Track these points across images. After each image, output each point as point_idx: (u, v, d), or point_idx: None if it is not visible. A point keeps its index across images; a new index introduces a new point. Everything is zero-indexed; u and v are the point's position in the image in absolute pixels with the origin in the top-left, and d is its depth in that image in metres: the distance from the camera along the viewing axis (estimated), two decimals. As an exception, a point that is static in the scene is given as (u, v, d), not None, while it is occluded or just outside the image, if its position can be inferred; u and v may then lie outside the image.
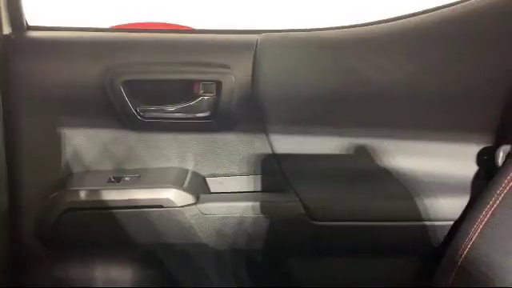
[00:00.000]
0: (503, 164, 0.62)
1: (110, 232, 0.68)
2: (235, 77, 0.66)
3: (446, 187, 0.67)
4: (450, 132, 0.68)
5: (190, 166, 0.72)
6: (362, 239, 0.69)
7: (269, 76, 0.66)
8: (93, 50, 0.68)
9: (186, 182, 0.69)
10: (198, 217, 0.67)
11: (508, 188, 0.58)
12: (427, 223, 0.67)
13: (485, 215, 0.60)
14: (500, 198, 0.59)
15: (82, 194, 0.67)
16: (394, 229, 0.68)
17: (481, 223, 0.60)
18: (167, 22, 1.91)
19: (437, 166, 0.69)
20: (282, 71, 0.67)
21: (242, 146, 0.71)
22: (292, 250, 0.71)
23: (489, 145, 0.66)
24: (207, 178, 0.73)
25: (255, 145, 0.71)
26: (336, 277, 0.74)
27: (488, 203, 0.59)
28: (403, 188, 0.68)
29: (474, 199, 0.63)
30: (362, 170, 0.69)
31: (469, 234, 0.60)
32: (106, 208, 0.66)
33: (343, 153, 0.69)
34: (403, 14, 0.68)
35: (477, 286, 0.55)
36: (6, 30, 0.66)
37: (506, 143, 0.63)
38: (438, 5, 0.66)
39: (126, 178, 0.69)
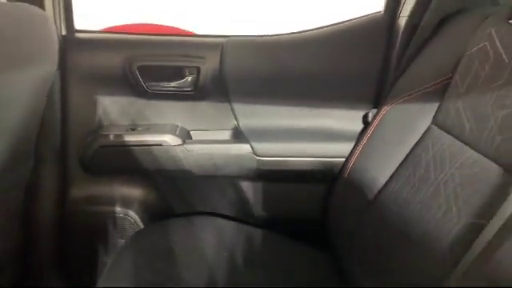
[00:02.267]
0: (372, 120, 1.02)
1: (128, 162, 1.06)
2: (209, 64, 1.05)
3: (344, 136, 1.07)
4: (344, 103, 1.08)
5: (179, 123, 1.11)
6: (288, 170, 1.09)
7: (229, 64, 1.05)
8: (118, 46, 1.06)
9: (177, 131, 1.08)
10: (184, 153, 1.06)
11: (370, 133, 0.98)
12: (330, 159, 1.07)
13: (360, 148, 0.99)
14: (367, 137, 0.98)
15: (110, 137, 1.05)
16: (308, 163, 1.08)
17: (357, 152, 0.99)
18: (157, 23, 2.24)
19: (339, 125, 1.09)
20: (238, 61, 1.06)
21: (213, 110, 1.10)
22: (243, 176, 1.11)
23: (367, 111, 1.06)
24: (190, 131, 1.12)
25: (222, 109, 1.10)
26: (273, 198, 1.13)
27: (362, 141, 0.99)
28: (315, 137, 1.08)
29: (358, 141, 1.03)
30: (290, 126, 1.09)
31: (352, 159, 1.00)
32: (124, 146, 1.05)
33: (279, 113, 1.09)
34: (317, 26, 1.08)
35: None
36: (63, 32, 1.04)
37: (374, 108, 1.03)
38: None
39: (139, 128, 1.07)
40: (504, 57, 0.71)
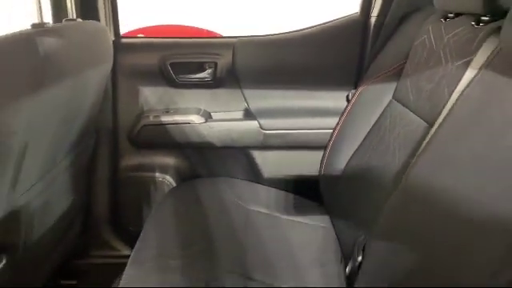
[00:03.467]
0: (351, 99, 1.30)
1: (164, 137, 1.38)
2: (224, 60, 1.35)
3: (330, 112, 1.35)
4: (331, 86, 1.37)
5: (202, 106, 1.42)
6: (288, 140, 1.39)
7: (240, 59, 1.35)
8: (154, 48, 1.38)
9: (201, 113, 1.39)
10: (206, 129, 1.37)
11: (349, 108, 1.27)
12: (320, 131, 1.36)
13: (342, 121, 1.27)
14: (347, 112, 1.27)
15: (150, 118, 1.37)
16: (303, 134, 1.37)
17: (340, 124, 1.27)
18: (182, 24, 2.54)
19: (327, 103, 1.38)
20: (247, 56, 1.36)
21: (228, 95, 1.41)
22: (253, 146, 1.41)
23: (348, 92, 1.35)
24: (211, 113, 1.43)
25: (234, 94, 1.40)
26: (277, 163, 1.43)
27: (344, 115, 1.28)
28: (308, 113, 1.37)
29: (341, 115, 1.31)
30: (289, 105, 1.39)
31: (336, 130, 1.28)
32: (161, 125, 1.37)
33: (279, 96, 1.39)
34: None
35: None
36: (112, 37, 1.36)
37: (353, 90, 1.31)
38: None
39: (171, 111, 1.39)
40: (434, 46, 0.99)
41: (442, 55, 0.94)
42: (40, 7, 0.91)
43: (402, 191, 0.78)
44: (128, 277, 0.90)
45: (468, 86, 0.76)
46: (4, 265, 0.81)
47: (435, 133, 0.77)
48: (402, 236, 0.74)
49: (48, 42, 0.85)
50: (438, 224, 0.66)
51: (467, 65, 0.82)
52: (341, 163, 1.20)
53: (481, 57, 0.78)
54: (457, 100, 0.76)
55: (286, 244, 1.11)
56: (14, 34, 0.82)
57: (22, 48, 0.80)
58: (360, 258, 0.89)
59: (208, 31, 2.32)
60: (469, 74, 0.80)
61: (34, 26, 0.89)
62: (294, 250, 1.10)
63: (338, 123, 1.29)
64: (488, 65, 0.72)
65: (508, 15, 0.64)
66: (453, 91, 0.82)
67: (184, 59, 1.37)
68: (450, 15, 0.98)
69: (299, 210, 1.29)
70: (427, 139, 0.83)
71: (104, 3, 1.29)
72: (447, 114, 0.76)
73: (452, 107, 0.77)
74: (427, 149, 0.77)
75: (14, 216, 0.87)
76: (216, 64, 1.36)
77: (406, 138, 0.97)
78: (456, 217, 0.61)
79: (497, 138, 0.62)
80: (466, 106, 0.72)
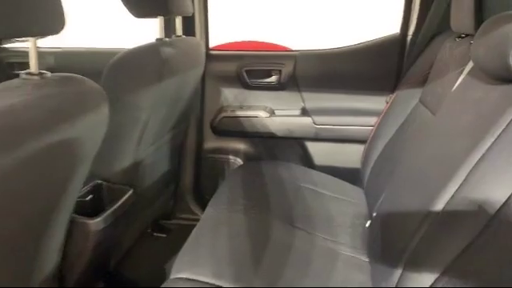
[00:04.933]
0: (388, 103, 1.60)
1: (238, 127, 1.77)
2: (287, 68, 1.73)
3: (372, 112, 1.66)
4: (373, 91, 1.68)
5: (268, 104, 1.80)
6: (336, 134, 1.71)
7: (299, 68, 1.72)
8: (233, 58, 1.78)
9: (267, 109, 1.77)
10: (270, 122, 1.74)
11: (385, 109, 1.57)
12: (363, 127, 1.67)
13: (379, 120, 1.58)
14: (384, 112, 1.57)
15: (228, 112, 1.78)
16: (349, 129, 1.69)
17: (377, 123, 1.58)
18: (263, 40, 2.94)
19: (369, 105, 1.69)
20: (305, 66, 1.72)
21: (289, 96, 1.77)
22: (306, 138, 1.75)
23: (387, 96, 1.65)
24: (274, 110, 1.80)
25: (294, 96, 1.76)
26: (326, 153, 1.76)
27: (381, 115, 1.58)
28: (354, 113, 1.69)
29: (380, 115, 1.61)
30: (338, 106, 1.72)
31: (375, 127, 1.59)
32: (236, 117, 1.76)
33: (330, 98, 1.72)
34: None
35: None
36: (204, 50, 1.79)
37: (391, 94, 1.61)
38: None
39: (244, 107, 1.79)
40: (448, 59, 1.28)
41: (449, 65, 1.23)
42: (161, 27, 1.35)
43: None
44: (205, 215, 1.28)
45: (458, 87, 1.05)
46: (131, 194, 1.23)
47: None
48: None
49: (166, 50, 1.27)
50: None
51: (461, 72, 1.11)
52: (375, 155, 1.50)
53: (469, 66, 1.07)
54: (450, 98, 1.06)
55: (325, 210, 1.43)
56: (145, 44, 1.26)
57: (150, 54, 1.23)
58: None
59: (275, 45, 2.71)
60: (460, 78, 1.09)
61: (157, 39, 1.33)
62: (331, 214, 1.41)
63: (376, 122, 1.60)
64: (470, 71, 1.02)
65: (475, 37, 0.94)
66: (449, 92, 1.11)
67: (256, 67, 1.77)
68: (462, 35, 1.27)
69: (342, 190, 1.60)
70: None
71: (199, 24, 1.72)
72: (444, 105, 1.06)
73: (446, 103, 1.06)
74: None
75: (136, 164, 1.30)
76: (280, 71, 1.74)
77: (420, 128, 1.26)
78: None
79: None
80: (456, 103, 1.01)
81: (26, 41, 0.74)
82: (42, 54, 1.87)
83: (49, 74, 0.76)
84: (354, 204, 1.50)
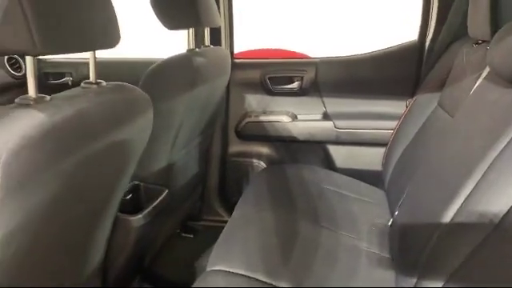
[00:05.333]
0: (407, 107, 1.66)
1: (261, 131, 1.85)
2: (308, 74, 1.80)
3: (392, 116, 1.72)
4: (393, 96, 1.74)
5: (290, 109, 1.87)
6: (356, 138, 1.78)
7: (321, 74, 1.79)
8: (257, 66, 1.87)
9: (289, 114, 1.84)
10: (293, 126, 1.81)
11: (405, 113, 1.63)
12: (384, 131, 1.73)
13: (399, 123, 1.64)
14: (403, 116, 1.63)
15: (252, 117, 1.86)
16: (369, 133, 1.75)
17: (398, 126, 1.64)
18: (283, 48, 3.03)
19: (390, 109, 1.75)
20: (326, 72, 1.79)
21: (310, 101, 1.84)
22: (328, 141, 1.82)
23: (406, 100, 1.70)
24: (297, 115, 1.88)
25: (315, 101, 1.83)
26: (347, 156, 1.82)
27: (401, 118, 1.64)
28: (374, 117, 1.76)
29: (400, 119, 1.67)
30: (358, 110, 1.78)
31: (395, 130, 1.65)
32: (260, 122, 1.84)
33: (350, 103, 1.79)
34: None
35: None
36: (229, 59, 1.87)
37: (410, 99, 1.67)
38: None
39: (267, 112, 1.86)
40: (465, 64, 1.33)
41: (467, 71, 1.28)
42: (190, 38, 1.45)
43: None
44: (235, 213, 1.36)
45: (475, 91, 1.11)
46: (166, 193, 1.31)
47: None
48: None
49: (198, 60, 1.36)
50: None
51: (479, 76, 1.16)
52: (395, 158, 1.55)
53: (485, 71, 1.13)
54: (467, 101, 1.11)
55: (348, 210, 1.49)
56: (178, 55, 1.35)
57: (184, 64, 1.32)
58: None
59: (296, 52, 2.79)
60: (478, 82, 1.15)
61: (188, 50, 1.42)
62: (354, 214, 1.47)
63: (396, 125, 1.66)
64: (487, 76, 1.08)
65: (491, 43, 1.00)
66: (467, 95, 1.17)
67: (278, 74, 1.85)
68: (479, 42, 1.33)
69: (363, 192, 1.66)
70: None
71: (225, 34, 1.81)
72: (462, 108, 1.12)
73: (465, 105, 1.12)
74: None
75: (170, 166, 1.38)
76: (302, 78, 1.81)
77: (438, 131, 1.32)
78: None
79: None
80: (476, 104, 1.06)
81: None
82: (76, 65, 1.97)
83: (104, 83, 0.85)
84: (376, 205, 1.55)
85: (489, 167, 0.82)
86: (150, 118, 0.94)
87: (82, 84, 0.84)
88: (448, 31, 1.56)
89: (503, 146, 0.82)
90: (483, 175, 0.83)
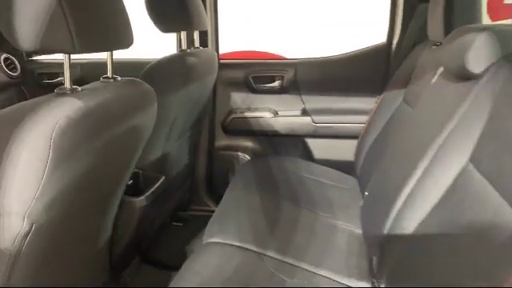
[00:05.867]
0: (377, 103, 1.85)
1: (246, 126, 2.01)
2: (288, 74, 1.97)
3: (364, 111, 1.90)
4: (365, 93, 1.92)
5: (272, 106, 2.04)
6: (332, 131, 1.96)
7: (300, 73, 1.96)
8: (241, 66, 2.02)
9: (271, 110, 2.01)
10: (274, 122, 1.98)
11: (374, 109, 1.81)
12: (357, 125, 1.91)
13: (370, 118, 1.82)
14: (373, 111, 1.82)
15: (237, 113, 2.01)
16: (344, 127, 1.94)
17: (368, 121, 1.83)
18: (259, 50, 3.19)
19: (361, 105, 1.93)
20: (304, 72, 1.97)
21: (290, 98, 2.01)
22: (306, 135, 1.99)
23: (376, 97, 1.89)
24: (278, 111, 2.04)
25: (295, 98, 2.01)
26: (324, 147, 2.00)
27: (371, 113, 1.83)
28: (348, 112, 1.94)
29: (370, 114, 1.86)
30: (333, 107, 1.96)
31: (366, 124, 1.84)
32: (244, 118, 2.00)
33: (326, 100, 1.97)
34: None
35: None
36: (216, 59, 2.02)
37: (379, 95, 1.86)
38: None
39: (251, 108, 2.02)
40: (425, 65, 1.53)
41: (426, 69, 1.48)
42: (182, 40, 1.60)
43: None
44: (226, 196, 1.51)
45: (431, 86, 1.30)
46: (163, 180, 1.45)
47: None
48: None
49: (190, 60, 1.51)
50: None
51: (435, 73, 1.36)
52: (366, 148, 1.74)
53: (441, 69, 1.32)
54: (425, 95, 1.31)
55: (325, 194, 1.67)
56: (172, 55, 1.50)
57: (178, 63, 1.47)
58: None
59: (274, 54, 2.97)
60: (434, 79, 1.34)
61: (181, 50, 1.57)
62: (329, 198, 1.65)
63: (367, 119, 1.84)
64: (442, 73, 1.27)
65: (442, 45, 1.19)
66: (425, 90, 1.36)
67: (261, 74, 2.01)
68: (437, 44, 1.52)
69: (338, 179, 1.84)
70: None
71: (211, 37, 1.97)
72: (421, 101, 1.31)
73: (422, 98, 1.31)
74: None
75: (165, 156, 1.53)
76: (283, 77, 1.98)
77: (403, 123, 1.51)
78: None
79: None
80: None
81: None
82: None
83: (119, 78, 0.99)
84: (349, 190, 1.74)
85: (440, 146, 1.01)
86: (155, 107, 1.09)
87: (102, 79, 0.98)
88: (412, 34, 1.76)
89: (452, 127, 1.00)
90: (436, 153, 1.01)
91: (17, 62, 2.06)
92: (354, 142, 1.88)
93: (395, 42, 1.85)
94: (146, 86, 1.06)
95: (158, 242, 1.80)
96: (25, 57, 2.14)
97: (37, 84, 2.16)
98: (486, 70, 0.98)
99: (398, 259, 1.03)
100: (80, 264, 1.08)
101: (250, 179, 1.70)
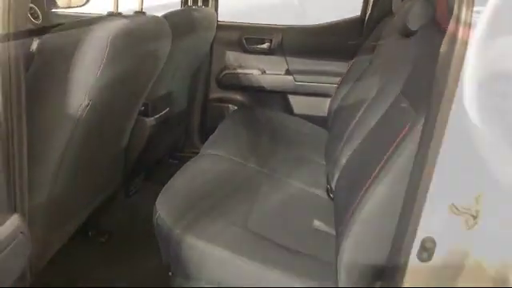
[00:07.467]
0: (349, 67, 2.19)
1: (236, 81, 2.34)
2: (276, 38, 2.30)
3: (337, 75, 2.25)
4: (338, 58, 2.27)
5: (260, 65, 2.37)
6: (308, 90, 2.30)
7: (286, 38, 2.29)
8: (236, 29, 2.34)
9: (260, 68, 2.34)
10: (262, 78, 2.31)
11: (345, 74, 2.16)
12: (328, 84, 2.26)
13: (341, 80, 2.17)
14: (344, 75, 2.16)
15: (230, 68, 2.34)
16: (318, 86, 2.28)
17: (339, 82, 2.17)
18: None
19: (334, 69, 2.28)
20: (290, 37, 2.30)
21: (276, 59, 2.34)
22: (287, 90, 2.34)
23: (349, 62, 2.23)
24: (265, 70, 2.37)
25: (280, 59, 2.33)
26: (300, 102, 2.34)
27: (342, 78, 2.17)
28: (322, 74, 2.28)
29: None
30: (311, 68, 2.30)
31: (336, 87, 2.18)
32: (236, 73, 2.33)
33: (307, 61, 2.30)
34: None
35: None
36: (216, 18, 2.33)
37: (351, 60, 2.20)
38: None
39: (242, 66, 2.35)
40: (388, 33, 1.86)
41: (387, 36, 1.82)
42: None
43: None
44: (217, 131, 1.85)
45: (386, 46, 1.65)
46: (168, 110, 1.77)
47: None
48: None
49: (194, 14, 1.83)
50: None
51: (392, 37, 1.70)
52: (336, 105, 2.07)
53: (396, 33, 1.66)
54: (380, 53, 1.65)
55: (297, 138, 2.01)
56: (180, 9, 1.81)
57: (184, 16, 1.78)
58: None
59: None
60: (390, 41, 1.68)
61: (187, 7, 1.88)
62: (302, 141, 1.99)
63: (339, 80, 2.19)
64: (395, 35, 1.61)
65: (396, 11, 1.53)
66: (383, 50, 1.71)
67: (252, 36, 2.33)
68: (398, 16, 1.86)
69: (312, 131, 2.19)
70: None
71: None
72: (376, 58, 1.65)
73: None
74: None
75: (168, 95, 1.85)
76: (271, 40, 2.31)
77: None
78: None
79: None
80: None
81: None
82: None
83: (147, 13, 1.31)
84: (318, 139, 2.05)
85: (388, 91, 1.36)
86: (169, 41, 1.41)
87: (134, 13, 1.30)
88: (381, 9, 2.10)
89: (395, 80, 1.34)
90: (385, 96, 1.36)
91: (39, 12, 2.34)
92: (328, 100, 2.22)
93: (367, 15, 2.19)
94: (165, 22, 1.38)
95: (158, 171, 2.13)
96: (45, 7, 2.42)
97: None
98: (420, 28, 1.33)
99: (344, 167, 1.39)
100: (105, 158, 1.41)
101: (238, 121, 2.04)
